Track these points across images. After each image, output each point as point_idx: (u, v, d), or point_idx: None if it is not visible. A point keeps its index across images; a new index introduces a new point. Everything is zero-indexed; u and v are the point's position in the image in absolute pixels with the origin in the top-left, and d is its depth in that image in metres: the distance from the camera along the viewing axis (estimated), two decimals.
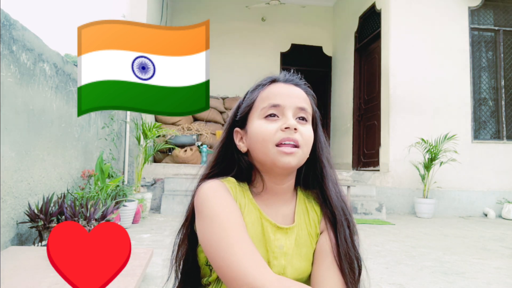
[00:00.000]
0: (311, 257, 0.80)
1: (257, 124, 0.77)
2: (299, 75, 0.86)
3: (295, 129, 0.74)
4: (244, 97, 0.85)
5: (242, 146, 0.81)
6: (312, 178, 0.85)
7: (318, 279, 0.75)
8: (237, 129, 0.83)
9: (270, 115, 0.77)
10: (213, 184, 0.76)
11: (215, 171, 0.84)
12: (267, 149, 0.75)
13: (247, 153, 0.82)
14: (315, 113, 0.85)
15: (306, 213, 0.83)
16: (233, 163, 0.83)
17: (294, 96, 0.79)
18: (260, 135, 0.76)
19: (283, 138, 0.74)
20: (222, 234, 0.68)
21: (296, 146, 0.75)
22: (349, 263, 0.74)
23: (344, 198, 0.83)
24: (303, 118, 0.78)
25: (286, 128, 0.74)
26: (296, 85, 0.82)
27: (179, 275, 0.85)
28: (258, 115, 0.78)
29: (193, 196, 0.80)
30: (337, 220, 0.78)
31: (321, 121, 0.86)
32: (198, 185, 0.81)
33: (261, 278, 0.62)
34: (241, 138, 0.82)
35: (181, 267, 0.84)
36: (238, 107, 0.85)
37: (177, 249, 0.84)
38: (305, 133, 0.77)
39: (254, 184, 0.82)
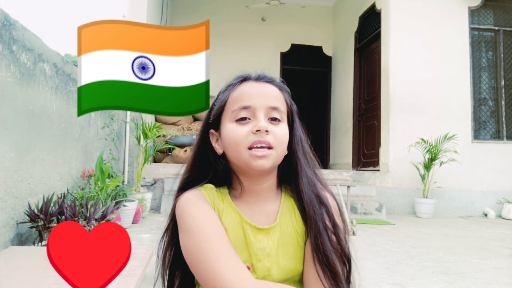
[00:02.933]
0: (300, 256, 0.77)
1: (229, 128, 0.76)
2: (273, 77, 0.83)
3: (267, 131, 0.73)
4: (217, 98, 0.83)
5: (218, 148, 0.80)
6: (288, 173, 0.82)
7: (308, 280, 0.74)
8: (212, 130, 0.81)
9: (242, 118, 0.75)
10: (190, 196, 0.76)
11: (193, 175, 0.82)
12: (239, 153, 0.74)
13: (224, 154, 0.80)
14: (291, 107, 0.82)
15: (293, 211, 0.81)
16: (210, 166, 0.81)
17: (266, 96, 0.77)
18: (232, 139, 0.75)
19: (255, 141, 0.73)
20: (200, 246, 0.68)
21: (269, 147, 0.73)
22: (325, 259, 0.71)
23: (322, 191, 0.80)
24: (275, 118, 0.76)
25: (257, 131, 0.73)
26: (269, 82, 0.80)
27: (166, 283, 0.84)
28: (230, 118, 0.77)
29: (174, 205, 0.79)
30: (309, 215, 0.76)
31: (298, 114, 0.84)
32: (177, 196, 0.80)
33: (240, 285, 0.62)
34: (217, 140, 0.80)
35: (167, 273, 0.83)
36: (211, 108, 0.83)
37: (163, 255, 0.83)
38: (278, 134, 0.75)
39: (234, 186, 0.81)
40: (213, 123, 0.81)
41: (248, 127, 0.74)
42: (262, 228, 0.77)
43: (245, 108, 0.75)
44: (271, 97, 0.77)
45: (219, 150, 0.79)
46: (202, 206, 0.74)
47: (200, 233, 0.69)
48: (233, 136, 0.75)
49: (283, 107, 0.79)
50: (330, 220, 0.76)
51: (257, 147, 0.73)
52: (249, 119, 0.75)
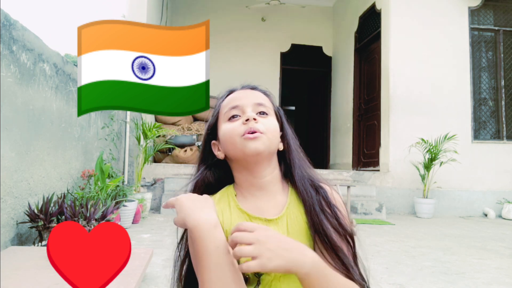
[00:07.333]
0: (310, 246, 0.78)
1: (223, 127, 0.84)
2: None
3: (254, 119, 0.80)
4: (212, 114, 0.92)
5: (219, 154, 0.86)
6: (288, 168, 0.87)
7: None
8: (213, 141, 0.88)
9: (233, 117, 0.83)
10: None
11: (199, 178, 0.89)
12: (235, 142, 0.80)
13: (225, 160, 0.87)
14: (278, 112, 0.90)
15: (300, 202, 0.83)
16: (213, 172, 0.89)
17: (251, 95, 0.86)
18: (228, 133, 0.82)
19: (246, 130, 0.79)
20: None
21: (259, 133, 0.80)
22: (326, 238, 0.75)
23: (314, 178, 0.84)
24: (263, 113, 0.84)
25: (246, 120, 0.80)
26: (252, 89, 0.89)
27: None
28: (223, 119, 0.85)
29: None
30: (303, 199, 0.81)
31: (285, 117, 0.92)
32: None
33: None
34: (218, 148, 0.87)
35: (182, 283, 0.85)
36: (209, 122, 0.92)
37: (179, 266, 0.85)
38: (267, 123, 0.82)
39: (239, 183, 0.86)
40: (212, 134, 0.89)
41: (239, 121, 0.82)
42: (271, 219, 0.80)
43: (234, 107, 0.83)
44: (256, 96, 0.86)
45: (221, 155, 0.86)
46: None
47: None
48: (227, 131, 0.82)
49: (268, 104, 0.86)
50: (327, 204, 0.80)
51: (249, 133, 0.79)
52: (239, 116, 0.82)
